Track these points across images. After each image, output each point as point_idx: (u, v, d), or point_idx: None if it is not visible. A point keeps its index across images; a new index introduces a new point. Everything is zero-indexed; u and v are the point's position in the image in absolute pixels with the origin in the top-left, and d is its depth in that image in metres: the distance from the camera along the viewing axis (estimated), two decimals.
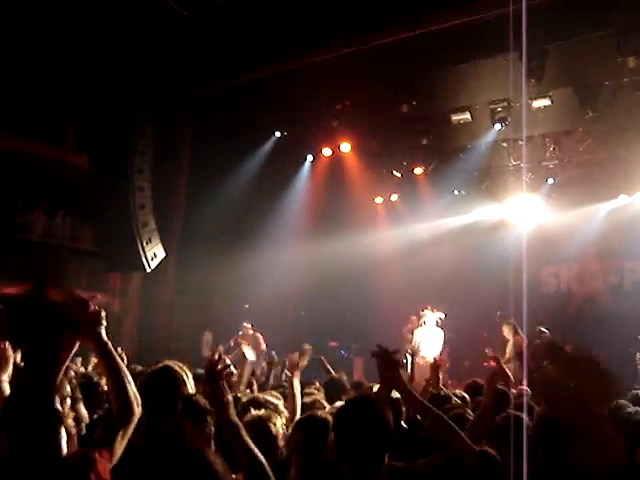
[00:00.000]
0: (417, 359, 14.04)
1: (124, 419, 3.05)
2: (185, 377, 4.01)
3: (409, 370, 10.61)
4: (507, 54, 11.14)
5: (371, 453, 3.28)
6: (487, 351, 13.36)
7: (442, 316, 15.61)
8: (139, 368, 7.06)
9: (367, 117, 16.36)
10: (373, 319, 18.53)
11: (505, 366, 5.87)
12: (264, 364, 11.70)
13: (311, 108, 15.92)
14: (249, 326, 16.46)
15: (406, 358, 15.56)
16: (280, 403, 5.25)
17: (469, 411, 5.72)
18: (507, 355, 13.63)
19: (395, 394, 5.91)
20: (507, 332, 14.08)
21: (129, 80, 14.60)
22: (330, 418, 4.10)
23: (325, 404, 5.76)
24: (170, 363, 4.07)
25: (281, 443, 4.43)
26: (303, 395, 5.76)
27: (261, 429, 4.39)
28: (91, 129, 15.81)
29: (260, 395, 5.47)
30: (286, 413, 4.97)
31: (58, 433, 2.10)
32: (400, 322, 17.35)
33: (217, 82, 14.93)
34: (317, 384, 7.30)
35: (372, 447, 3.28)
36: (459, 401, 6.43)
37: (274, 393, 5.87)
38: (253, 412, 4.60)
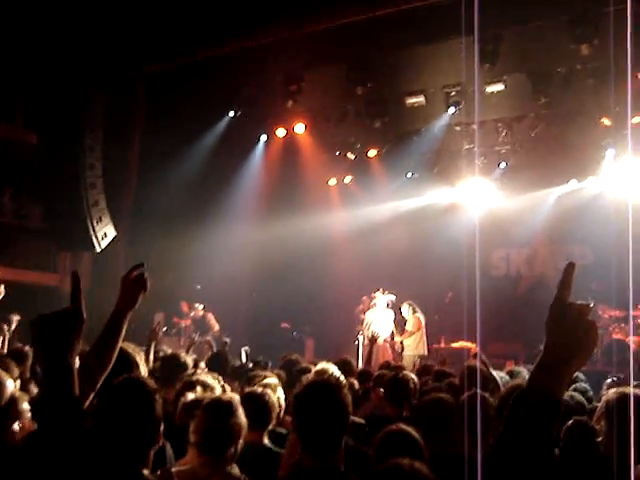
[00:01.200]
0: (367, 340, 14.30)
1: (102, 371, 2.99)
2: (138, 359, 3.99)
3: (367, 351, 10.76)
4: (461, 38, 11.18)
5: (328, 436, 3.30)
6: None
7: (392, 298, 15.80)
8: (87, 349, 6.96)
9: (322, 98, 16.34)
10: (326, 301, 18.58)
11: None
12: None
13: (266, 88, 15.84)
14: (200, 306, 16.41)
15: (358, 340, 15.78)
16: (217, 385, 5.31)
17: None
18: (407, 333, 15.47)
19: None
20: (405, 311, 15.56)
21: (80, 57, 14.35)
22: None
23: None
24: (124, 345, 4.02)
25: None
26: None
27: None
28: (41, 106, 15.53)
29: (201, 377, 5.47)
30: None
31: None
32: (352, 304, 17.45)
33: (170, 60, 14.78)
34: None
35: (329, 431, 3.30)
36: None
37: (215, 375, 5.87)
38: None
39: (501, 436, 1.79)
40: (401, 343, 15.50)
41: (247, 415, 4.16)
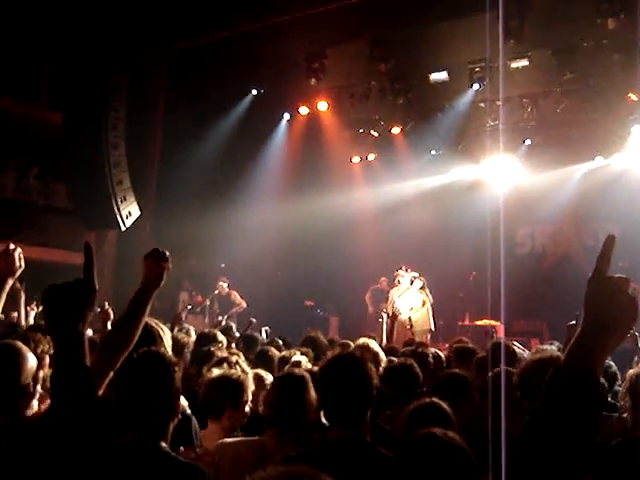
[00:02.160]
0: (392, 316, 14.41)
1: (112, 364, 3.02)
2: (162, 333, 4.04)
3: (388, 329, 10.80)
4: (485, 13, 11.06)
5: (353, 408, 3.34)
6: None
7: (416, 276, 15.78)
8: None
9: (344, 76, 16.28)
10: (350, 279, 18.56)
11: None
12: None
13: (288, 66, 15.79)
14: (225, 284, 16.46)
15: (382, 317, 15.80)
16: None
17: None
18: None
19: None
20: (416, 286, 15.26)
21: (103, 36, 14.36)
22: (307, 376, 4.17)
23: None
24: (147, 319, 4.08)
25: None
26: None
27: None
28: (65, 86, 15.57)
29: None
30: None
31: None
32: (376, 282, 17.44)
33: (192, 38, 14.76)
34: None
35: (355, 402, 3.34)
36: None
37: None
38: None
39: (536, 413, 1.77)
40: (409, 319, 15.48)
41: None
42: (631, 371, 4.20)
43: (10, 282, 3.47)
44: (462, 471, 2.80)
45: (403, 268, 15.89)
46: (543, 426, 1.73)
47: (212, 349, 5.73)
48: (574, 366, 1.75)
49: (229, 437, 4.27)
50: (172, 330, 7.22)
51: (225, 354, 5.69)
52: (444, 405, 3.84)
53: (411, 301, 15.54)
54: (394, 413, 4.88)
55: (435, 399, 3.93)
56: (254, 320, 11.21)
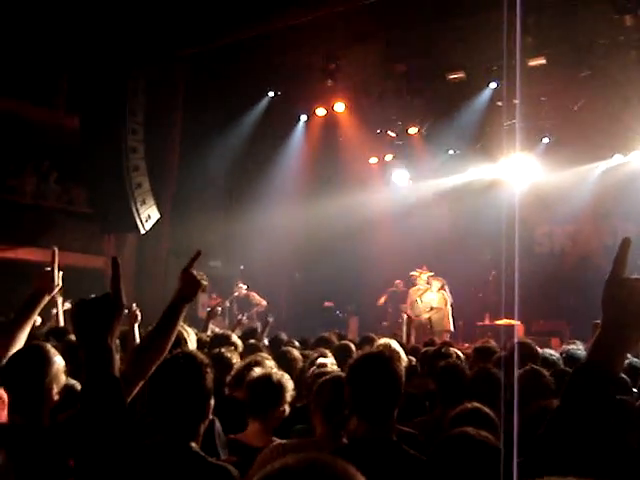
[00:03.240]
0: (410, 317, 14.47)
1: (142, 375, 3.06)
2: (187, 335, 4.09)
3: (405, 330, 10.82)
4: (502, 11, 11.02)
5: (382, 406, 3.37)
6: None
7: (430, 275, 15.85)
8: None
9: (361, 76, 16.27)
10: (369, 280, 18.55)
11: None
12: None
13: (305, 67, 15.82)
14: (244, 286, 16.51)
15: (402, 318, 15.83)
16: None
17: None
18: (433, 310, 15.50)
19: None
20: (435, 286, 15.66)
21: (121, 40, 14.43)
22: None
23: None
24: None
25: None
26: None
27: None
28: (83, 90, 15.66)
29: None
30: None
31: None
32: (390, 285, 17.46)
33: (209, 41, 14.79)
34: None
35: (383, 401, 3.38)
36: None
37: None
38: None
39: (558, 412, 1.79)
40: (429, 319, 15.49)
41: None
42: None
43: (46, 299, 3.53)
44: (495, 470, 2.81)
45: (423, 268, 15.93)
46: (565, 424, 1.75)
47: (222, 350, 5.73)
48: (594, 366, 1.78)
49: (270, 437, 4.36)
50: (205, 327, 7.29)
51: (236, 357, 5.69)
52: (486, 409, 3.85)
53: (431, 301, 15.57)
54: (438, 415, 4.87)
55: (477, 404, 3.93)
56: (271, 319, 11.24)
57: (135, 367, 3.01)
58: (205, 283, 3.31)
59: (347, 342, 7.45)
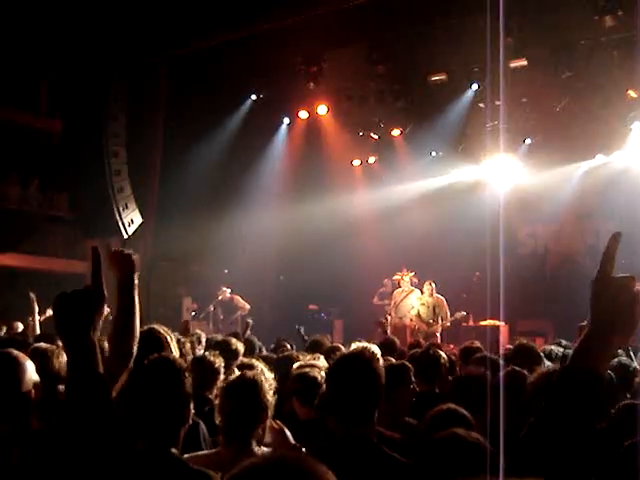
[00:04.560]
0: (394, 319, 14.46)
1: (125, 363, 3.04)
2: (169, 339, 4.07)
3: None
4: (483, 13, 11.05)
5: (362, 407, 3.33)
6: None
7: (412, 276, 15.84)
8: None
9: (343, 79, 16.28)
10: (353, 282, 18.55)
11: None
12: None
13: (287, 70, 15.79)
14: (227, 290, 16.47)
15: (386, 319, 15.80)
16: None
17: None
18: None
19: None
20: (427, 292, 15.13)
21: (102, 44, 14.38)
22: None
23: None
24: (155, 326, 4.20)
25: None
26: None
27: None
28: (64, 94, 15.58)
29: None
30: None
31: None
32: (380, 285, 17.45)
33: (191, 44, 14.75)
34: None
35: (362, 402, 3.34)
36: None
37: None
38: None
39: (542, 412, 1.77)
40: (411, 320, 15.35)
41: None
42: None
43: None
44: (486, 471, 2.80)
45: (404, 271, 15.91)
46: (549, 425, 1.74)
47: (205, 354, 5.71)
48: (579, 366, 1.76)
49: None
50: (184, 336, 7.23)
51: (219, 361, 5.61)
52: (462, 411, 3.81)
53: (412, 302, 15.52)
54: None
55: (452, 405, 3.89)
56: (251, 321, 11.22)
57: (115, 357, 2.98)
58: (135, 257, 3.24)
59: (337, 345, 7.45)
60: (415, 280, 15.77)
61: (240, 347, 6.72)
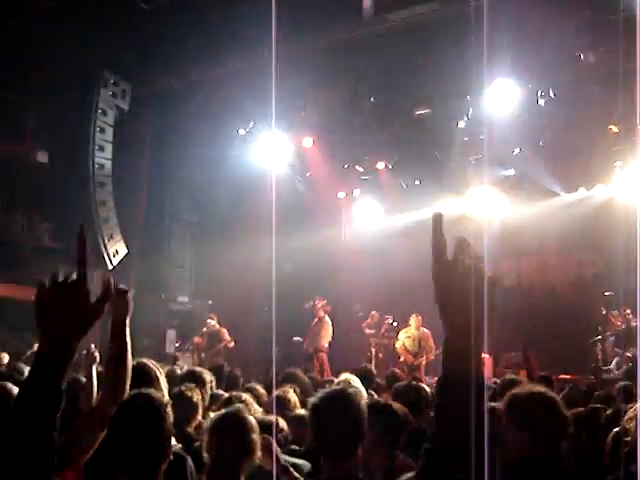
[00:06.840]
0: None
1: (117, 403, 3.06)
2: (159, 374, 4.07)
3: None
4: (468, 47, 11.21)
5: (344, 444, 3.33)
6: None
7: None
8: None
9: (328, 112, 16.37)
10: (336, 315, 18.51)
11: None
12: None
13: (272, 103, 15.87)
14: (213, 322, 16.41)
15: (371, 352, 15.85)
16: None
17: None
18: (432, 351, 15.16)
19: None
20: (414, 324, 15.43)
21: (87, 76, 14.45)
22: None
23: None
24: (144, 360, 4.18)
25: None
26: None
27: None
28: (51, 125, 15.60)
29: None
30: None
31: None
32: (365, 318, 17.46)
33: (176, 77, 14.86)
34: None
35: (345, 438, 3.34)
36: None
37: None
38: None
39: (434, 429, 1.67)
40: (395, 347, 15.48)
41: None
42: None
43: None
44: None
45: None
46: (441, 440, 1.64)
47: (182, 389, 5.56)
48: (449, 374, 1.69)
49: None
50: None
51: (197, 395, 5.48)
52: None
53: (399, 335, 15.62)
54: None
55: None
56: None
57: (107, 398, 3.00)
58: (130, 295, 3.27)
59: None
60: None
61: (207, 376, 6.61)
